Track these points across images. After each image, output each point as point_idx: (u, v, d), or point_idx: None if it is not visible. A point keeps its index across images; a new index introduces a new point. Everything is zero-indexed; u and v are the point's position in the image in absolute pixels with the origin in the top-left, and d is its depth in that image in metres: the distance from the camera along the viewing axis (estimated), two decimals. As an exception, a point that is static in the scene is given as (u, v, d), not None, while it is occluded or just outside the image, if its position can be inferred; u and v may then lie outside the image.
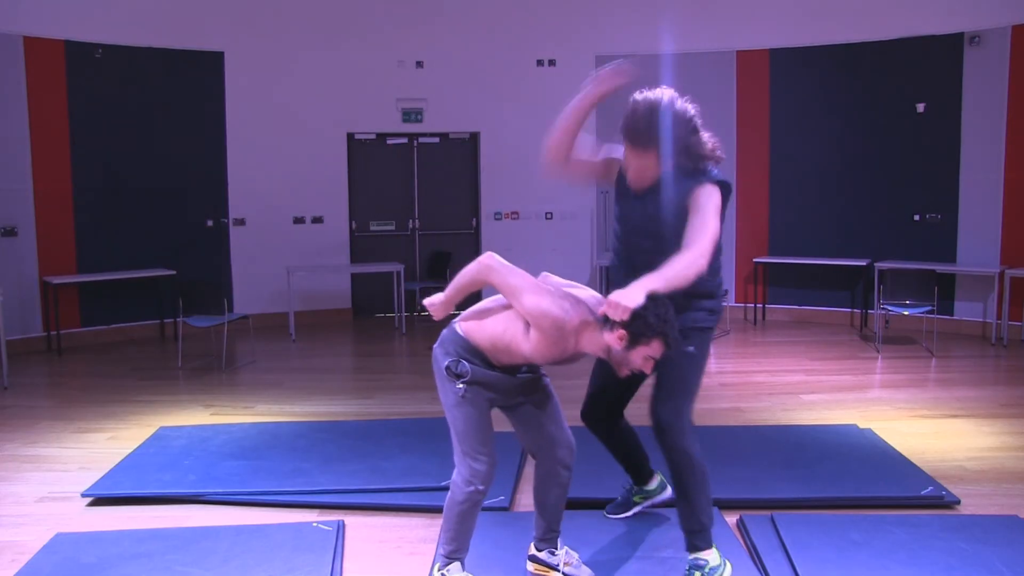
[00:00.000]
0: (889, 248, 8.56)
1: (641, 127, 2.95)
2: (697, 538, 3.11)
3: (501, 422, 3.09)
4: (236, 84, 8.87)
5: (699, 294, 3.07)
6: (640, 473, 3.70)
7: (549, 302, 2.73)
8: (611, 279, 3.39)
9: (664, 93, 3.00)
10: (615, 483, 3.86)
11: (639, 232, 3.18)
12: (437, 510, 3.63)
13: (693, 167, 3.03)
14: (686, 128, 2.98)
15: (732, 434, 5.02)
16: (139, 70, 8.40)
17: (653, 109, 2.94)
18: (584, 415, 3.53)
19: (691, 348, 3.08)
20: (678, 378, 3.10)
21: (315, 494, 4.12)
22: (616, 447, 3.61)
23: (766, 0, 8.87)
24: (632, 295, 2.66)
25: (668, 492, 3.67)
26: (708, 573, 3.07)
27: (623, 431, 3.58)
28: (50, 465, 4.70)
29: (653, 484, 3.74)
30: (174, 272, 8.29)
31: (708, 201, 2.97)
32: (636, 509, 3.75)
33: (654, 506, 3.75)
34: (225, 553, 3.47)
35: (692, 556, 3.11)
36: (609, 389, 3.43)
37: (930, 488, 4.05)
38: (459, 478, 2.96)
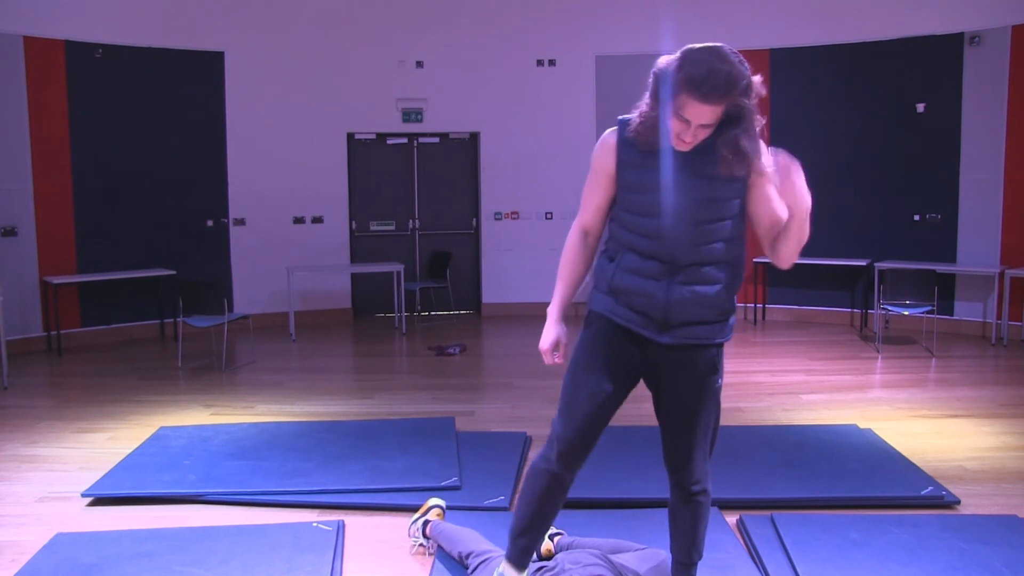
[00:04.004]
0: (889, 248, 8.56)
1: (725, 73, 2.30)
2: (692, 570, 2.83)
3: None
4: (236, 84, 8.87)
5: (730, 309, 2.63)
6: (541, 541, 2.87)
7: None
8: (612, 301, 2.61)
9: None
10: (614, 483, 3.86)
11: (688, 212, 2.45)
12: (437, 510, 3.67)
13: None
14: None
15: (732, 434, 5.01)
16: (139, 70, 8.40)
17: (726, 54, 2.34)
18: (572, 459, 2.63)
19: (720, 382, 2.67)
20: (713, 428, 2.68)
21: (315, 494, 4.12)
22: (556, 509, 2.75)
23: (766, 0, 8.87)
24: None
25: None
26: None
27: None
28: (50, 465, 4.70)
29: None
30: (174, 272, 8.29)
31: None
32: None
33: None
34: (225, 553, 3.47)
35: None
36: (603, 421, 2.65)
37: (930, 488, 4.05)
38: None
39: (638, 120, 2.46)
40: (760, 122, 2.43)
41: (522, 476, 2.68)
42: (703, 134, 2.39)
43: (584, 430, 2.58)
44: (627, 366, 2.61)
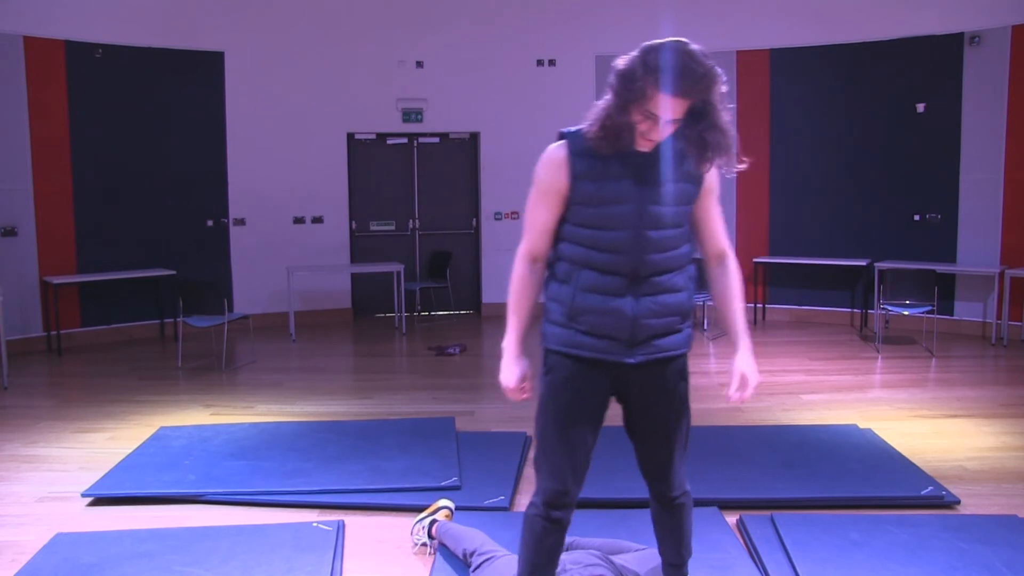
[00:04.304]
0: (889, 248, 8.56)
1: (699, 65, 2.24)
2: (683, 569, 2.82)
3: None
4: (236, 84, 8.87)
5: (691, 314, 2.59)
6: None
7: None
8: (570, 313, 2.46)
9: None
10: (614, 484, 3.86)
11: (649, 220, 2.39)
12: (437, 510, 3.67)
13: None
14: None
15: (732, 434, 5.02)
16: (139, 70, 8.40)
17: (692, 47, 2.29)
18: (563, 504, 2.53)
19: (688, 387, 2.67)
20: (687, 432, 2.66)
21: (315, 494, 4.12)
22: (560, 548, 2.64)
23: (766, 0, 8.87)
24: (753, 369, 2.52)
25: None
26: None
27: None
28: (50, 465, 4.70)
29: None
30: (174, 272, 8.29)
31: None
32: None
33: None
34: (225, 553, 3.47)
35: None
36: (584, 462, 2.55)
37: (930, 488, 4.05)
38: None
39: (598, 126, 2.33)
40: (727, 117, 2.37)
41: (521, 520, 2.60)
42: (669, 130, 2.32)
43: (569, 478, 2.51)
44: (598, 400, 2.53)
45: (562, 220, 2.46)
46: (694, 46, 2.27)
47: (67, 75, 8.01)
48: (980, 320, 8.18)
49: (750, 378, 2.55)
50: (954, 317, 8.31)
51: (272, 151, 9.02)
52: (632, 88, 2.26)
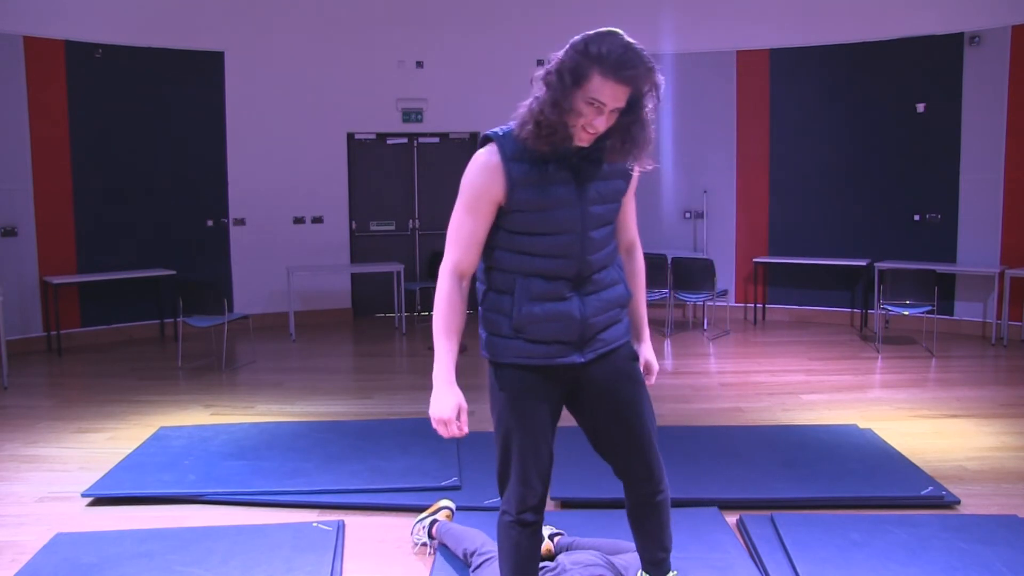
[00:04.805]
0: (889, 248, 8.56)
1: (640, 54, 2.22)
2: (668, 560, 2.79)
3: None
4: (236, 84, 8.87)
5: (624, 302, 2.56)
6: None
7: None
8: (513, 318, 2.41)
9: None
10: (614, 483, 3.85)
11: (590, 221, 2.37)
12: (437, 510, 3.67)
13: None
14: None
15: (732, 434, 5.02)
16: (139, 70, 8.40)
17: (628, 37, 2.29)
18: (534, 507, 2.52)
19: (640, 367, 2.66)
20: (652, 413, 2.61)
21: (315, 494, 4.12)
22: (538, 549, 2.67)
23: (766, 0, 8.87)
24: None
25: None
26: None
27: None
28: (50, 465, 4.70)
29: None
30: (174, 272, 8.29)
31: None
32: None
33: None
34: (225, 553, 3.47)
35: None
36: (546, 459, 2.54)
37: (930, 488, 4.05)
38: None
39: (532, 125, 2.24)
40: (650, 114, 2.32)
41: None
42: (610, 121, 2.25)
43: (537, 481, 2.49)
44: (553, 402, 2.51)
45: (495, 228, 2.36)
46: (629, 37, 2.25)
47: (67, 75, 8.01)
48: (980, 320, 8.18)
49: (654, 365, 2.72)
50: (954, 317, 8.31)
51: (272, 151, 9.02)
52: (576, 76, 2.18)
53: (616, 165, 2.38)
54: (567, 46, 2.25)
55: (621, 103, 2.22)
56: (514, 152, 2.30)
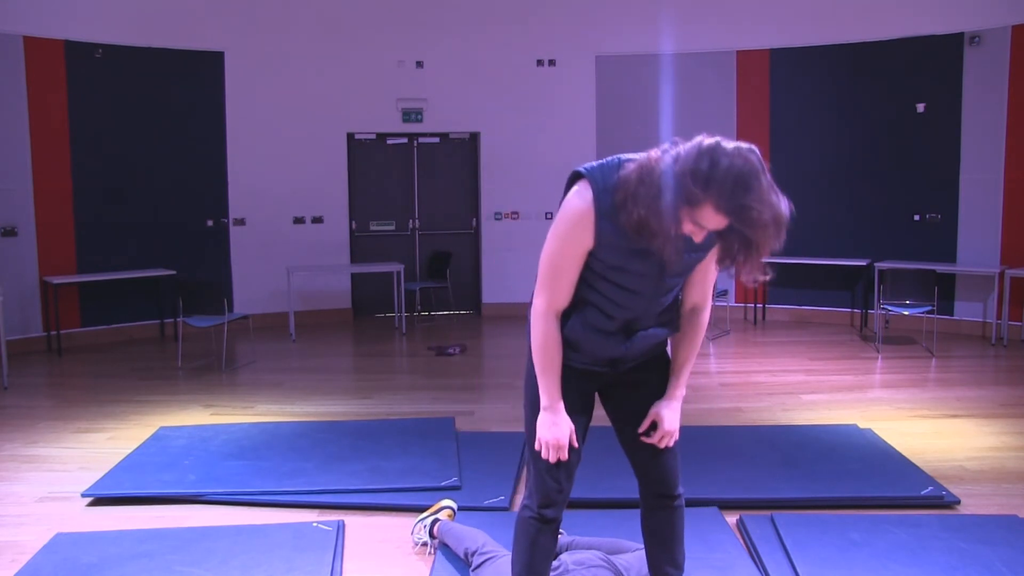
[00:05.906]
0: (889, 248, 8.56)
1: (772, 207, 2.27)
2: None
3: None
4: (236, 84, 8.87)
5: (665, 339, 2.65)
6: None
7: None
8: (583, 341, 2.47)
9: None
10: (614, 483, 3.85)
11: (663, 288, 2.42)
12: (437, 510, 3.67)
13: None
14: None
15: (732, 434, 5.02)
16: (139, 70, 8.40)
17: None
18: (557, 504, 2.57)
19: None
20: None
21: (315, 494, 4.12)
22: (553, 549, 2.69)
23: (766, 0, 8.87)
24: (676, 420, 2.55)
25: None
26: None
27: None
28: (50, 465, 4.70)
29: None
30: (174, 272, 8.29)
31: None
32: None
33: None
34: (225, 553, 3.47)
35: None
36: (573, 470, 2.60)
37: (930, 488, 4.05)
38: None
39: (635, 219, 2.15)
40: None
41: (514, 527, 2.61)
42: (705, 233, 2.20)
43: (564, 477, 2.54)
44: (586, 401, 2.58)
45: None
46: (755, 155, 2.14)
47: (67, 75, 8.01)
48: (980, 320, 8.18)
49: (667, 425, 2.54)
50: (954, 317, 8.30)
51: (272, 151, 9.02)
52: (690, 199, 2.09)
53: (702, 242, 2.28)
54: (690, 156, 2.10)
55: (721, 227, 2.16)
56: (608, 210, 2.24)
